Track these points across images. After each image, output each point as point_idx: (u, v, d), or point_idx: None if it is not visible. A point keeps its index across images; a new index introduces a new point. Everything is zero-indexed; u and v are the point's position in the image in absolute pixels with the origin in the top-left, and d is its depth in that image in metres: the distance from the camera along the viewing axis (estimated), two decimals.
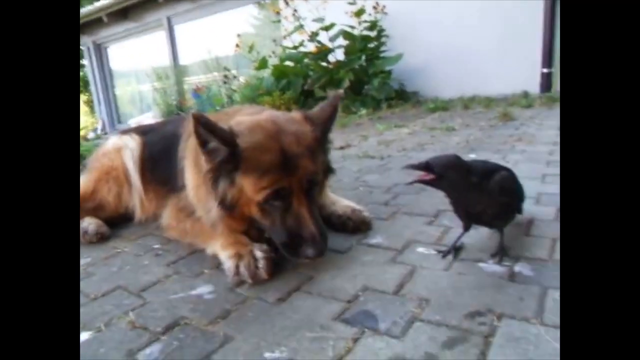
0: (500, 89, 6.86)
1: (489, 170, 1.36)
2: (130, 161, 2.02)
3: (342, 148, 3.62)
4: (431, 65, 7.54)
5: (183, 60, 10.53)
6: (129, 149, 2.05)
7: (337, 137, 4.27)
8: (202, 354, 1.08)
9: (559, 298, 1.14)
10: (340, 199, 1.88)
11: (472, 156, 2.92)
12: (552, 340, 0.98)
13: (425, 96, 7.30)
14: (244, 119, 1.54)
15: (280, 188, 1.39)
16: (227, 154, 1.39)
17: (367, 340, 1.05)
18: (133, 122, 8.52)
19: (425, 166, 1.29)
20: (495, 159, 2.78)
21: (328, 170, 1.62)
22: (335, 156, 3.29)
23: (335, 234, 1.72)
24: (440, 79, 7.45)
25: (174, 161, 1.88)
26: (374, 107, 6.36)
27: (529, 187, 2.07)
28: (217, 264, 1.53)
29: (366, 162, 3.02)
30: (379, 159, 3.07)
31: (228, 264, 1.45)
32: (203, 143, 1.39)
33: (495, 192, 1.30)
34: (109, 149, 2.12)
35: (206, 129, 1.36)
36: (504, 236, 1.42)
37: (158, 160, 2.02)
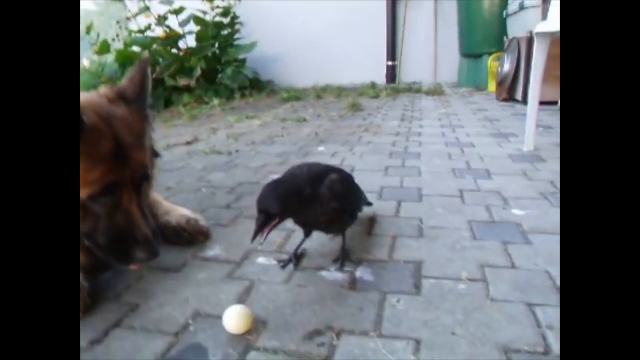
0: (351, 79, 7.16)
1: (318, 175, 1.27)
2: None
3: (189, 143, 3.37)
4: (285, 54, 7.56)
5: None
6: None
7: (185, 131, 4.00)
8: None
9: (395, 303, 1.12)
10: (174, 207, 1.69)
11: (320, 149, 2.92)
12: (388, 354, 0.94)
13: (280, 85, 7.29)
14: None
15: (111, 182, 1.14)
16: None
17: None
18: None
19: (265, 216, 1.14)
20: (342, 150, 2.82)
21: (153, 154, 1.40)
22: (180, 152, 3.06)
23: (168, 247, 1.53)
24: (295, 68, 7.51)
25: None
26: (227, 97, 6.13)
27: (373, 181, 2.12)
28: None
29: (212, 158, 2.83)
30: (227, 155, 2.91)
31: None
32: None
33: (326, 199, 1.23)
34: None
35: None
36: (345, 240, 1.38)
37: None
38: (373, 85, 6.17)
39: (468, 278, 1.21)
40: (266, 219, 1.13)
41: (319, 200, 1.22)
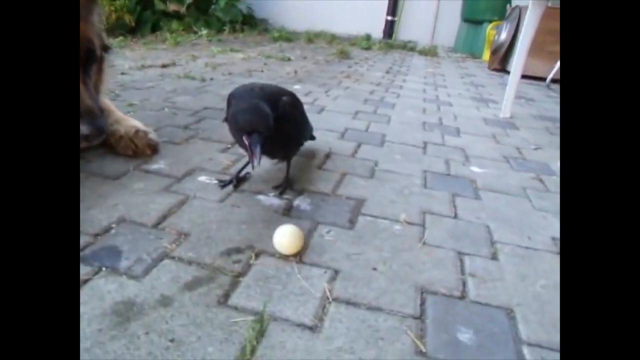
0: (347, 29, 6.95)
1: (272, 97, 1.20)
2: None
3: (164, 66, 3.23)
4: None
5: None
6: None
7: (165, 55, 3.84)
8: None
9: (325, 234, 1.09)
10: (126, 118, 1.62)
11: (296, 87, 2.83)
12: (302, 279, 0.92)
13: (274, 25, 7.04)
14: None
15: None
16: None
17: (97, 282, 0.88)
18: None
19: (259, 135, 1.06)
20: (317, 91, 2.74)
21: (104, 47, 1.35)
22: (154, 74, 2.94)
23: (113, 157, 1.47)
24: (292, 9, 7.23)
25: None
26: (217, 30, 5.90)
27: (339, 122, 2.06)
28: None
29: (185, 82, 2.73)
30: (200, 81, 2.80)
31: None
32: None
33: (280, 120, 1.17)
34: None
35: None
36: (289, 168, 1.33)
37: None
38: (368, 37, 5.99)
39: (406, 221, 1.19)
40: (260, 139, 1.05)
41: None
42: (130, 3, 5.75)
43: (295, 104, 1.27)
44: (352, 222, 1.16)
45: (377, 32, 7.12)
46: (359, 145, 1.75)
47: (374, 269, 0.97)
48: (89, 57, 1.19)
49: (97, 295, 0.84)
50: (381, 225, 1.16)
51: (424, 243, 1.10)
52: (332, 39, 5.73)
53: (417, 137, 1.94)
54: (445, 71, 4.27)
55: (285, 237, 0.99)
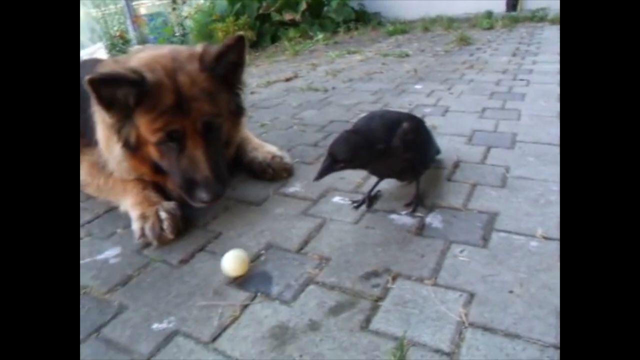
0: (466, 8, 6.58)
1: (390, 125, 1.24)
2: None
3: (288, 80, 3.45)
4: None
5: None
6: None
7: (287, 67, 4.08)
8: (93, 327, 1.03)
9: (458, 254, 1.11)
10: (263, 144, 1.79)
11: (417, 87, 2.82)
12: (438, 303, 0.95)
13: (388, 17, 6.96)
14: (143, 56, 1.43)
15: (172, 130, 1.32)
16: (137, 94, 1.29)
17: (255, 307, 1.02)
18: (84, 54, 7.92)
19: (332, 161, 1.18)
20: (440, 89, 2.69)
21: (239, 111, 1.54)
22: (279, 89, 3.16)
23: (254, 182, 1.65)
24: None
25: (87, 112, 1.73)
26: (332, 31, 6.06)
27: (465, 123, 2.02)
28: (129, 223, 1.45)
29: (309, 95, 2.88)
30: (323, 92, 2.94)
31: (134, 225, 1.38)
32: (104, 101, 1.29)
33: (399, 150, 1.22)
34: None
35: (110, 83, 1.26)
36: (419, 185, 1.36)
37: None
38: (488, 14, 5.62)
39: (543, 236, 1.14)
40: (331, 164, 1.17)
41: (392, 152, 1.21)
42: (251, 19, 6.19)
43: (416, 129, 1.29)
44: (485, 240, 1.16)
45: (499, 6, 6.63)
46: (488, 150, 1.70)
47: (511, 291, 0.97)
48: (209, 129, 1.37)
49: (256, 320, 0.98)
50: (516, 242, 1.13)
51: None
52: (450, 23, 5.51)
53: (552, 132, 1.82)
54: None
55: (229, 261, 1.12)
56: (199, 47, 1.44)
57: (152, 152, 1.39)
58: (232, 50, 1.38)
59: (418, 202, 1.34)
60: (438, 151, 1.59)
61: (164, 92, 1.31)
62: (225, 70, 1.40)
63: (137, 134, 1.36)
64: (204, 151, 1.34)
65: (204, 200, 1.33)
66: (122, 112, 1.33)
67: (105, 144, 1.54)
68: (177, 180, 1.37)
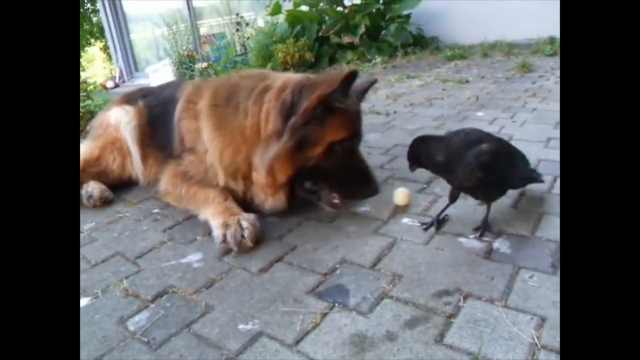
0: (526, 33, 6.52)
1: (469, 142, 1.33)
2: (129, 135, 2.07)
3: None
4: (452, 8, 7.17)
5: (197, 2, 10.19)
6: (127, 123, 2.09)
7: None
8: (184, 322, 1.15)
9: (528, 279, 1.15)
10: None
11: (479, 114, 2.85)
12: (510, 324, 1.00)
13: (445, 42, 7.01)
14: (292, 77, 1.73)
15: (354, 132, 1.61)
16: (345, 103, 1.53)
17: (334, 315, 1.10)
18: (150, 70, 8.43)
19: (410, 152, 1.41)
20: (503, 117, 2.72)
21: None
22: None
23: None
24: (462, 23, 7.10)
25: (170, 126, 1.91)
26: (390, 55, 6.16)
27: (530, 153, 2.03)
28: (208, 231, 1.58)
29: (372, 118, 2.98)
30: (385, 115, 3.03)
31: (216, 232, 1.51)
32: (328, 98, 1.49)
33: (469, 167, 1.29)
34: (111, 122, 2.15)
35: (352, 82, 1.52)
36: (489, 210, 1.41)
37: (157, 126, 2.05)
38: (551, 40, 5.55)
39: None
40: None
41: (464, 166, 1.30)
42: (310, 41, 6.41)
43: (494, 152, 1.33)
44: (554, 267, 1.19)
45: None
46: (554, 179, 1.72)
47: None
48: (360, 140, 1.69)
49: (336, 327, 1.06)
50: None
51: None
52: (510, 49, 5.49)
53: None
54: None
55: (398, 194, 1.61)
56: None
57: (317, 153, 1.53)
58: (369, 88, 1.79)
59: (486, 227, 1.39)
60: (535, 179, 1.57)
61: (352, 106, 1.59)
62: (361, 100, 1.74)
63: (319, 134, 1.52)
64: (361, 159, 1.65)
65: (370, 193, 1.58)
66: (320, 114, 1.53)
67: (221, 152, 1.68)
68: (338, 179, 1.57)
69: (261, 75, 1.84)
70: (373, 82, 1.88)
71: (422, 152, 1.38)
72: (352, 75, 1.49)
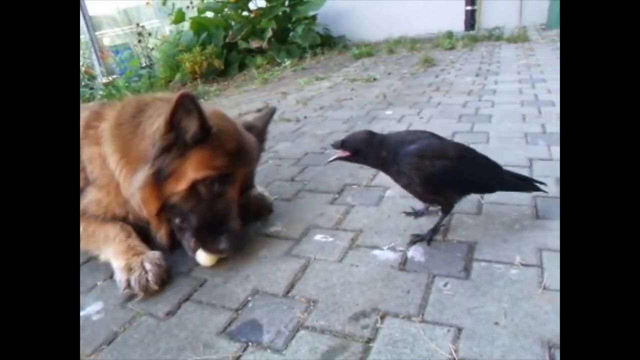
0: (427, 28, 6.82)
1: (401, 144, 1.28)
2: None
3: (259, 111, 3.46)
4: (357, 7, 7.33)
5: (94, 11, 9.50)
6: None
7: (257, 97, 4.11)
8: None
9: (442, 287, 1.14)
10: None
11: (388, 112, 2.89)
12: (427, 340, 0.98)
13: (353, 40, 7.14)
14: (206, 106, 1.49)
15: (226, 174, 1.38)
16: (197, 130, 1.33)
17: (248, 357, 1.01)
18: None
19: (341, 145, 1.32)
20: (410, 114, 2.77)
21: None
22: None
23: None
24: (367, 21, 7.28)
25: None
26: (299, 57, 6.15)
27: None
28: (110, 274, 1.42)
29: (281, 126, 2.91)
30: (295, 122, 2.97)
31: (119, 276, 1.36)
32: (174, 116, 1.32)
33: (405, 168, 1.25)
34: None
35: (192, 105, 1.30)
36: (442, 220, 1.36)
37: None
38: (449, 35, 5.83)
39: (522, 263, 1.19)
40: (340, 147, 1.32)
41: (398, 163, 1.27)
42: (217, 48, 6.23)
43: (421, 155, 1.25)
44: (467, 271, 1.19)
45: (458, 25, 6.89)
46: None
47: (496, 323, 1.00)
48: (247, 187, 1.52)
49: None
50: (497, 271, 1.17)
51: (543, 288, 1.09)
52: (413, 44, 5.68)
53: (520, 154, 1.89)
54: (541, 59, 4.03)
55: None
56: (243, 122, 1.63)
57: (178, 189, 1.36)
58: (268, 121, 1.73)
59: (430, 236, 1.35)
60: (529, 186, 1.40)
61: (229, 137, 1.41)
62: (264, 135, 1.68)
63: (178, 167, 1.35)
64: (238, 203, 1.41)
65: (224, 250, 1.34)
66: (174, 140, 1.35)
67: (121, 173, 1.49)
68: (195, 224, 1.36)
69: (157, 97, 1.67)
70: (272, 113, 1.79)
71: (364, 144, 1.30)
72: (185, 98, 1.28)
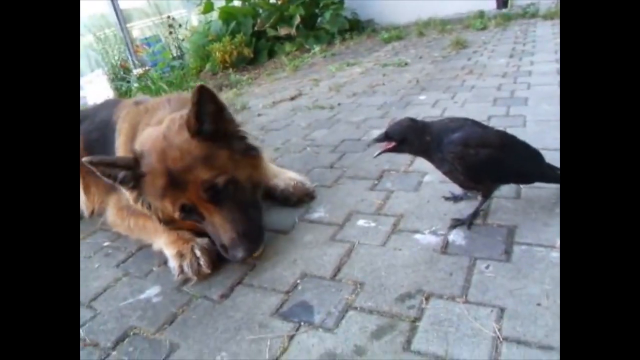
0: (456, 8, 6.66)
1: (445, 131, 1.30)
2: None
3: (292, 99, 3.53)
4: None
5: (124, 4, 9.68)
6: None
7: (289, 84, 4.16)
8: None
9: (484, 269, 1.18)
10: (282, 170, 1.87)
11: (422, 98, 2.90)
12: (472, 319, 1.03)
13: (381, 23, 7.06)
14: (147, 136, 1.48)
15: (182, 205, 1.39)
16: (134, 182, 1.43)
17: (301, 336, 1.09)
18: (84, 82, 8.02)
19: (385, 136, 1.32)
20: (444, 99, 2.77)
21: (251, 152, 1.53)
22: (286, 109, 3.24)
23: (278, 209, 1.73)
24: (395, 3, 7.16)
25: (110, 152, 1.81)
26: (328, 42, 6.16)
27: None
28: (164, 260, 1.52)
29: (316, 114, 2.96)
30: (329, 109, 3.02)
31: (172, 263, 1.46)
32: (112, 179, 1.41)
33: (446, 151, 1.27)
34: None
35: (107, 166, 1.41)
36: (481, 205, 1.38)
37: (95, 152, 1.94)
38: (481, 14, 5.71)
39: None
40: (384, 139, 1.32)
41: (441, 151, 1.29)
42: (246, 37, 6.30)
43: (465, 144, 1.27)
44: (507, 253, 1.23)
45: (490, 4, 6.71)
46: None
47: (538, 304, 1.04)
48: (216, 192, 1.37)
49: (304, 349, 1.05)
50: (537, 253, 1.20)
51: None
52: (443, 25, 5.60)
53: (558, 137, 1.89)
54: None
55: None
56: (174, 120, 1.45)
57: (176, 215, 1.43)
58: (204, 104, 1.37)
59: (470, 221, 1.38)
60: (545, 177, 1.40)
61: (157, 176, 1.38)
62: (212, 124, 1.40)
63: (154, 201, 1.45)
64: (222, 215, 1.37)
65: (237, 259, 1.38)
66: (132, 190, 1.45)
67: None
68: (215, 241, 1.44)
69: (157, 106, 1.71)
70: (200, 91, 1.36)
71: (409, 132, 1.30)
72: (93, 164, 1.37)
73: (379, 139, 1.34)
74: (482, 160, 1.26)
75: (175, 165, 1.36)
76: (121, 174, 1.41)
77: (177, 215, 1.41)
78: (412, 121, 1.33)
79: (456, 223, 1.40)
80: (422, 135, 1.30)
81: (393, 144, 1.32)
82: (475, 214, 1.39)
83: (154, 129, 1.50)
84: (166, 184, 1.37)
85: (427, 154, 1.35)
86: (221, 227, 1.37)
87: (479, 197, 1.40)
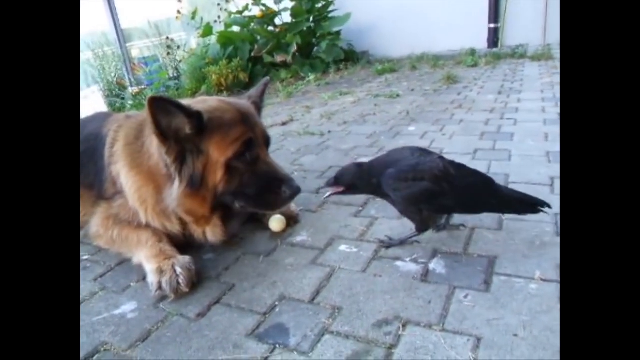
0: (449, 45, 6.86)
1: (384, 167, 1.38)
2: None
3: (284, 124, 3.56)
4: (381, 23, 7.42)
5: (125, 23, 9.83)
6: None
7: (281, 110, 4.21)
8: None
9: (463, 299, 1.18)
10: None
11: (411, 129, 2.94)
12: (448, 349, 1.02)
13: (376, 55, 7.22)
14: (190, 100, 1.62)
15: (248, 139, 1.47)
16: (192, 125, 1.40)
17: (276, 358, 1.07)
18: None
19: (335, 181, 1.44)
20: (432, 131, 2.81)
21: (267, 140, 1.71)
22: (276, 134, 3.26)
23: (261, 231, 1.72)
24: (390, 37, 7.36)
25: (99, 165, 1.80)
26: (323, 71, 6.26)
27: None
28: (143, 275, 1.50)
29: (306, 140, 2.99)
30: (319, 136, 3.05)
31: (151, 278, 1.43)
32: (159, 125, 1.38)
33: (387, 191, 1.37)
34: None
35: (170, 105, 1.36)
36: (412, 236, 1.46)
37: (82, 163, 1.93)
38: (472, 52, 5.87)
39: (542, 278, 1.22)
40: (333, 184, 1.44)
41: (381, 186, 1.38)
42: (243, 62, 6.39)
43: (396, 177, 1.35)
44: (487, 284, 1.23)
45: (481, 42, 6.90)
46: None
47: (515, 335, 1.04)
48: (268, 142, 1.62)
49: None
50: (516, 284, 1.21)
51: None
52: (436, 61, 5.73)
53: (542, 172, 1.92)
54: None
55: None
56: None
57: (219, 176, 1.46)
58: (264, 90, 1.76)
59: (399, 243, 1.48)
60: (533, 208, 1.35)
61: (228, 113, 1.48)
62: (260, 103, 1.74)
63: (205, 162, 1.45)
64: (272, 159, 1.56)
65: (292, 194, 1.48)
66: (180, 145, 1.43)
67: (139, 193, 1.60)
68: (252, 194, 1.49)
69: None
70: (267, 83, 1.88)
71: (356, 177, 1.42)
72: (155, 102, 1.33)
73: (330, 184, 1.45)
74: (415, 192, 1.33)
75: (245, 109, 1.55)
76: (177, 120, 1.38)
77: (232, 151, 1.44)
78: (358, 166, 1.44)
79: (388, 243, 1.49)
80: (369, 179, 1.40)
81: (342, 188, 1.43)
82: (403, 241, 1.47)
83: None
84: (239, 118, 1.48)
85: (377, 194, 1.46)
86: (275, 165, 1.54)
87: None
